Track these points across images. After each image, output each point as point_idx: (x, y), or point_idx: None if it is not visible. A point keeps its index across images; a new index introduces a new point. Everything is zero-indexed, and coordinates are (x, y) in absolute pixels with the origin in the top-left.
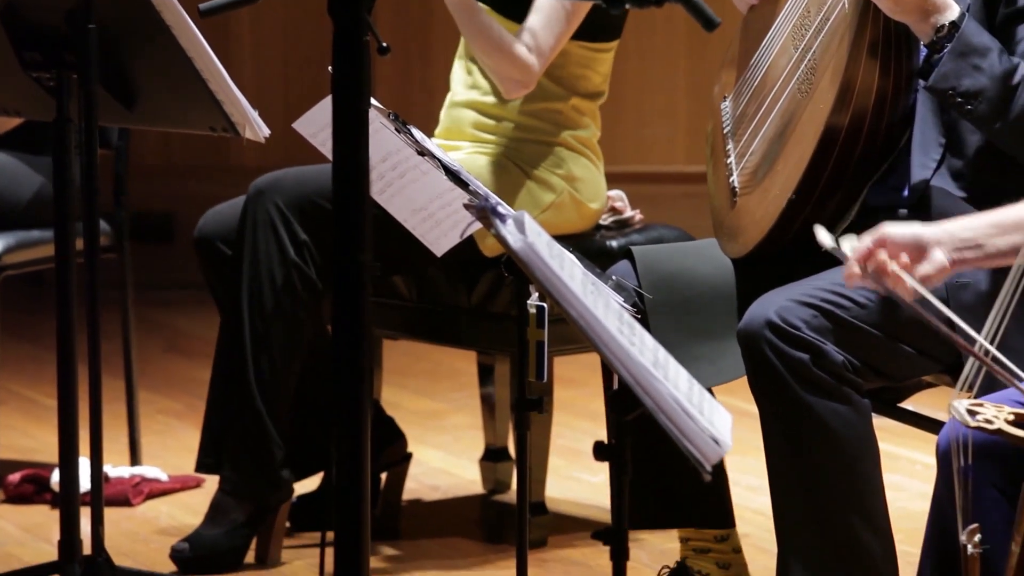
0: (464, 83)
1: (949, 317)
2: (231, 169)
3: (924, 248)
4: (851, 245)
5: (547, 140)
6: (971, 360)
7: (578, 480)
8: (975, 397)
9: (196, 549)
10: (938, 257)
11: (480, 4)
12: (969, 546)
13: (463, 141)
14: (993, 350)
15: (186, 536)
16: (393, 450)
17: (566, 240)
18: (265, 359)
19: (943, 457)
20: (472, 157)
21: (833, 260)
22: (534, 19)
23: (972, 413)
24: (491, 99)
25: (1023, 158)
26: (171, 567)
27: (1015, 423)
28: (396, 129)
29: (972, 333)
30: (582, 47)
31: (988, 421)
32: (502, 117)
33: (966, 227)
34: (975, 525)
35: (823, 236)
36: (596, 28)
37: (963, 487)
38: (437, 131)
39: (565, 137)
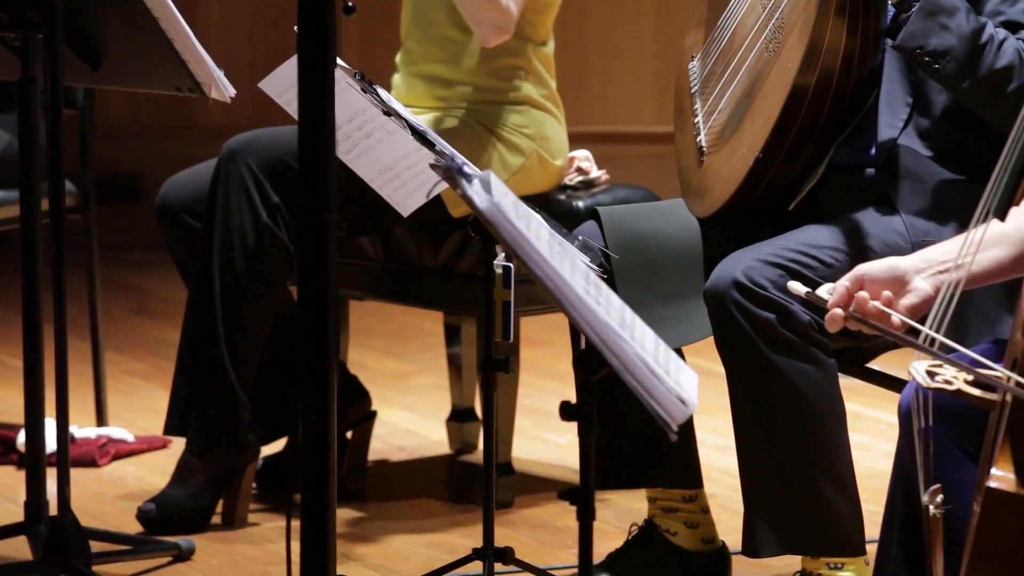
0: (415, 59)
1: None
2: (197, 129)
3: (903, 279)
4: (827, 288)
5: (510, 99)
6: (929, 322)
7: (545, 440)
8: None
9: (163, 510)
10: (921, 286)
11: None
12: (931, 507)
13: (427, 104)
14: (939, 337)
15: (153, 497)
16: (357, 409)
17: (532, 200)
18: (235, 322)
19: (905, 417)
20: (438, 119)
21: (799, 220)
22: None
23: (931, 374)
24: (446, 65)
25: (990, 117)
26: (138, 528)
27: (975, 383)
28: (362, 89)
29: (915, 324)
30: None
31: (948, 382)
32: (461, 81)
33: (944, 251)
34: (937, 486)
35: (796, 287)
36: None
37: (924, 448)
38: (397, 94)
39: (529, 94)
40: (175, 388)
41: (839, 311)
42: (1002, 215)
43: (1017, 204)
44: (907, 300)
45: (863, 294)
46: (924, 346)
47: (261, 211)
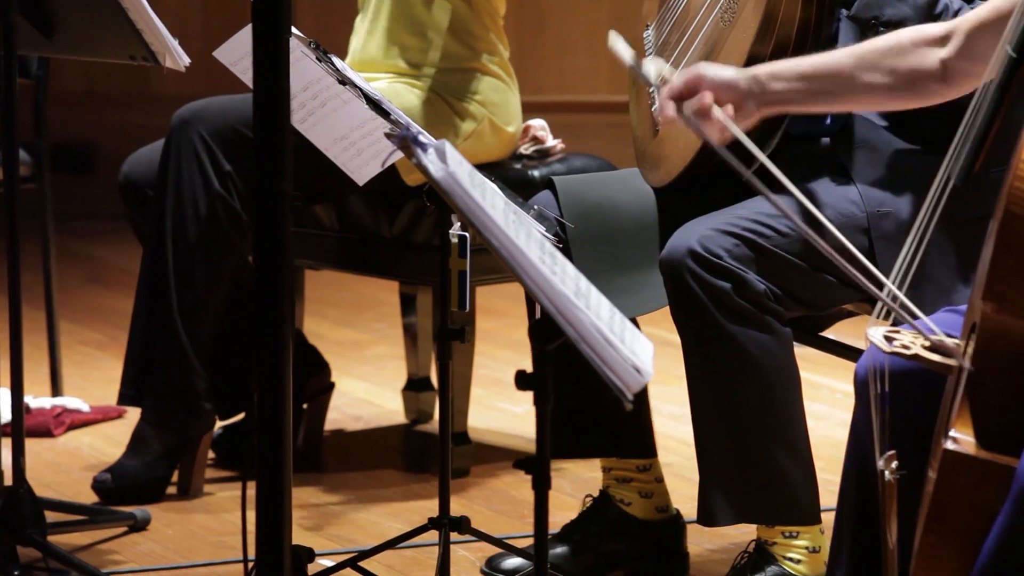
0: (371, 25)
1: (861, 260)
2: (152, 98)
3: (739, 99)
4: (657, 68)
5: (463, 66)
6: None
7: (500, 410)
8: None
9: (118, 479)
10: (751, 109)
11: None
12: (887, 472)
13: (380, 72)
14: (900, 295)
15: (108, 467)
16: (317, 380)
17: (487, 169)
18: (188, 290)
19: (861, 385)
20: (392, 87)
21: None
22: None
23: (889, 339)
24: (401, 32)
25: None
26: (93, 498)
27: (932, 349)
28: (317, 58)
29: (881, 277)
30: None
31: (905, 347)
32: (415, 47)
33: (777, 76)
34: (892, 452)
35: (620, 47)
36: None
37: (881, 414)
38: (351, 63)
39: (483, 62)
40: (129, 358)
41: (672, 107)
42: (963, 182)
43: (977, 170)
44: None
45: (708, 98)
46: (836, 255)
47: (213, 179)
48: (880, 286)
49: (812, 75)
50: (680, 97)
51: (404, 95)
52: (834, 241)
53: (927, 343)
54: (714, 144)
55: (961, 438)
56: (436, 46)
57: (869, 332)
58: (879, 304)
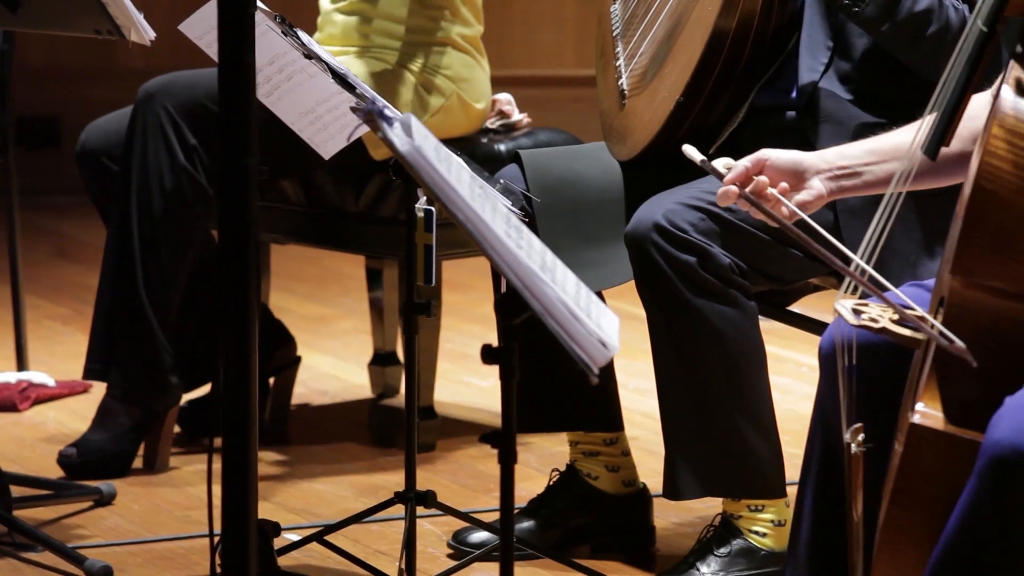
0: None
1: (826, 237)
2: (118, 72)
3: (803, 175)
4: (724, 163)
5: (433, 40)
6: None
7: (467, 384)
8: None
9: (84, 454)
10: (816, 186)
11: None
12: (853, 444)
13: (349, 46)
14: (869, 269)
15: (73, 441)
16: (283, 354)
17: (454, 143)
18: (154, 264)
19: (825, 358)
20: (359, 61)
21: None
22: None
23: (857, 312)
24: (370, 4)
25: (910, 60)
26: (59, 472)
27: (900, 322)
28: (283, 32)
29: (848, 253)
30: None
31: (873, 320)
32: (383, 20)
33: (844, 155)
34: (859, 424)
35: (692, 152)
36: None
37: (847, 387)
38: (317, 38)
39: (452, 36)
40: (94, 332)
41: (734, 187)
42: (933, 155)
43: (947, 145)
44: (801, 196)
45: (763, 178)
46: (801, 233)
47: (179, 153)
48: (848, 261)
49: (882, 150)
50: (743, 181)
51: (369, 69)
52: (801, 221)
53: (895, 316)
54: (777, 220)
55: (928, 412)
56: (404, 20)
57: (837, 305)
58: (848, 278)
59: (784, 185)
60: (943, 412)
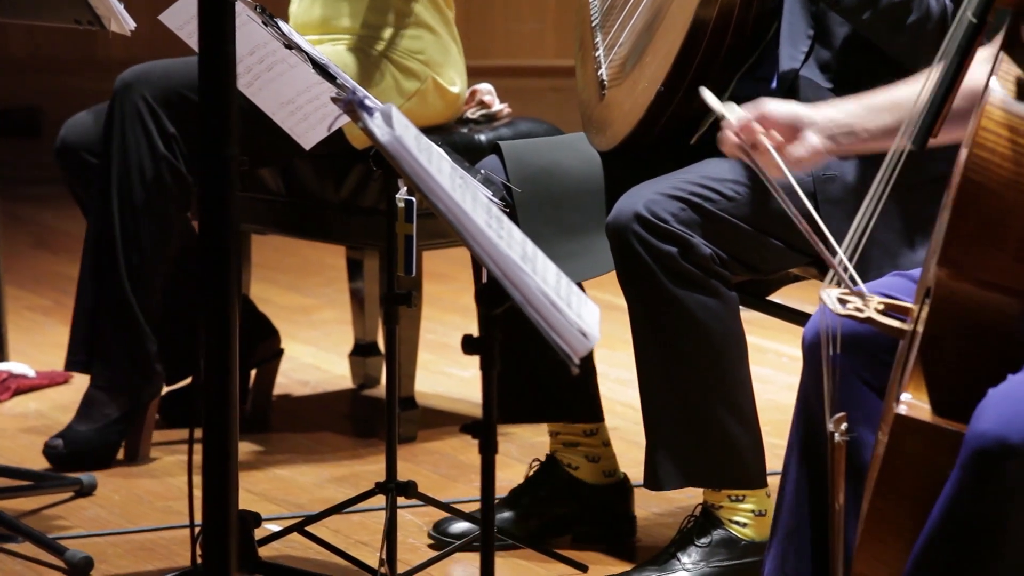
0: None
1: (810, 212)
2: (98, 63)
3: (799, 128)
4: (731, 110)
5: (406, 24)
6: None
7: (447, 374)
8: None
9: (70, 445)
10: (811, 140)
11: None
12: (836, 434)
13: (324, 35)
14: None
15: (59, 432)
16: (266, 346)
17: (433, 131)
18: (135, 253)
19: (809, 348)
20: (334, 49)
21: (701, 153)
22: None
23: (842, 302)
24: None
25: (890, 49)
26: (40, 463)
27: (884, 312)
28: (263, 22)
29: (835, 245)
30: None
31: (858, 310)
32: (361, 3)
33: (841, 110)
34: (842, 414)
35: (709, 96)
36: None
37: (831, 376)
38: (294, 25)
39: (424, 20)
40: (76, 324)
41: (731, 135)
42: (920, 147)
43: (935, 136)
44: (796, 150)
45: (756, 126)
46: (785, 199)
47: (158, 142)
48: (835, 252)
49: (880, 106)
50: (744, 130)
51: (345, 55)
52: (779, 208)
53: (880, 306)
54: (764, 175)
55: (913, 403)
56: (377, 6)
57: (823, 293)
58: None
59: (779, 138)
60: (929, 403)
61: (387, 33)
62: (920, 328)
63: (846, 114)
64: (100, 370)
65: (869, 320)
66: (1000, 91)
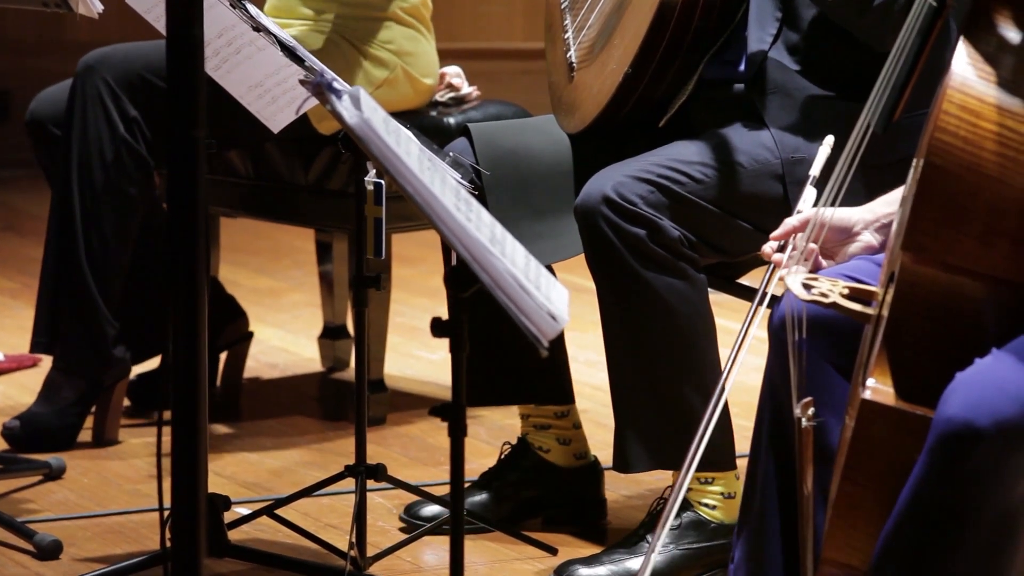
0: None
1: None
2: (66, 45)
3: (851, 230)
4: (808, 205)
5: (377, 15)
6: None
7: (417, 357)
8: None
9: (27, 427)
10: (866, 239)
11: None
12: (803, 419)
13: (294, 19)
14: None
15: (18, 414)
16: (234, 328)
17: (402, 116)
18: (95, 236)
19: (775, 332)
20: (304, 35)
21: (670, 136)
22: None
23: (807, 287)
24: None
25: (857, 31)
26: (3, 445)
27: (849, 297)
28: (231, 5)
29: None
30: None
31: (823, 295)
32: None
33: (889, 202)
34: (809, 399)
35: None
36: None
37: (797, 361)
38: (266, 10)
39: (394, 10)
40: (39, 305)
41: (770, 245)
42: (883, 129)
43: (896, 119)
44: (854, 248)
45: (813, 246)
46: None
47: (119, 125)
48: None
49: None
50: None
51: (314, 42)
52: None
53: (845, 291)
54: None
55: (878, 387)
56: None
57: (788, 279)
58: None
59: (813, 246)
60: (893, 388)
61: (354, 22)
62: (885, 312)
63: (892, 204)
64: (60, 352)
65: (834, 305)
66: (960, 75)
